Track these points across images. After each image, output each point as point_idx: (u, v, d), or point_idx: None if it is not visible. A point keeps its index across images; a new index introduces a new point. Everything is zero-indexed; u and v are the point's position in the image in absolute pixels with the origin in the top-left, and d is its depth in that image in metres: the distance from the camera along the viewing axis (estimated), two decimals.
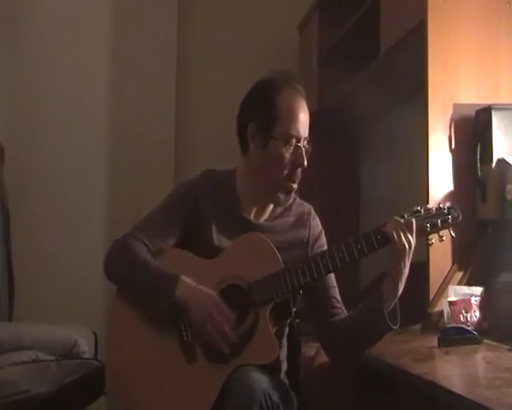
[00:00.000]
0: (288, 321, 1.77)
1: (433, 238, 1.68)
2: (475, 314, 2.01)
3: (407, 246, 1.61)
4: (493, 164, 2.06)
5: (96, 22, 3.55)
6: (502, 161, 2.06)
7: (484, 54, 2.19)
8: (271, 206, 1.83)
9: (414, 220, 1.64)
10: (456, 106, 2.16)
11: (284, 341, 1.80)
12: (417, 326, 2.12)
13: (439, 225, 1.66)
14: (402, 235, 1.61)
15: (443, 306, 2.04)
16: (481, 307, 2.02)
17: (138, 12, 3.59)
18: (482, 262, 2.12)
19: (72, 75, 3.47)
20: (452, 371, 1.70)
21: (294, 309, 1.71)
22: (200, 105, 3.66)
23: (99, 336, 2.53)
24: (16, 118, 3.42)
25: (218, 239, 1.77)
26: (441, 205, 1.69)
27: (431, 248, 1.78)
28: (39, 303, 3.21)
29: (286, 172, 1.74)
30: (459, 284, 2.10)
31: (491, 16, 2.20)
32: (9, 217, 2.86)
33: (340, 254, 1.64)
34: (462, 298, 2.03)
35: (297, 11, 3.56)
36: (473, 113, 2.15)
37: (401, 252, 1.61)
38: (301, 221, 1.83)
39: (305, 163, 1.74)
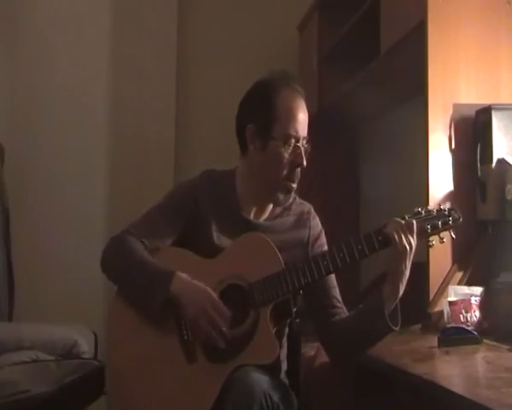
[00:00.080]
0: (288, 321, 1.77)
1: (434, 240, 1.69)
2: (475, 314, 2.01)
3: (408, 247, 1.61)
4: (493, 164, 2.06)
5: (96, 22, 3.55)
6: (502, 161, 2.06)
7: (484, 54, 2.19)
8: (271, 205, 1.83)
9: (415, 222, 1.64)
10: (456, 106, 2.16)
11: (284, 341, 1.80)
12: (417, 326, 2.12)
13: (440, 226, 1.66)
14: (403, 236, 1.61)
15: (443, 306, 2.04)
16: (481, 307, 2.02)
17: (138, 12, 3.59)
18: (482, 262, 2.12)
19: (72, 75, 3.47)
20: (452, 371, 1.70)
21: (295, 309, 1.71)
22: (200, 105, 3.66)
23: (99, 336, 2.53)
24: (16, 118, 3.42)
25: (218, 238, 1.77)
26: (442, 206, 1.70)
27: (431, 249, 1.78)
28: (39, 303, 3.21)
29: (285, 172, 1.74)
30: (459, 284, 2.10)
31: (491, 16, 2.20)
32: (9, 217, 2.86)
33: (341, 255, 1.64)
34: (462, 298, 2.03)
35: (297, 11, 3.56)
36: (473, 113, 2.15)
37: (402, 253, 1.61)
38: (301, 221, 1.83)
39: (305, 163, 1.74)
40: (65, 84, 3.45)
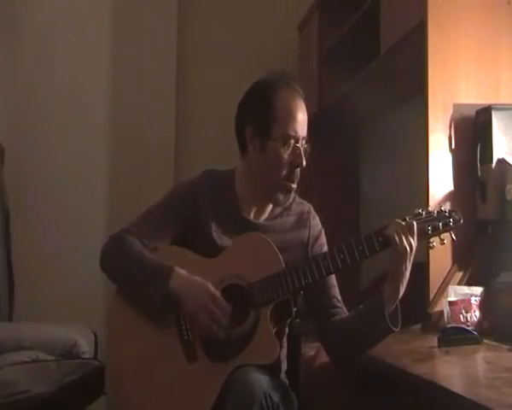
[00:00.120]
0: (289, 321, 1.77)
1: (435, 241, 1.68)
2: (475, 314, 2.01)
3: (408, 249, 1.61)
4: (493, 164, 2.06)
5: (96, 22, 3.55)
6: (502, 161, 2.06)
7: (484, 54, 2.19)
8: (271, 205, 1.83)
9: (415, 223, 1.64)
10: (456, 106, 2.16)
11: (284, 341, 1.80)
12: (417, 326, 2.12)
13: (441, 228, 1.66)
14: (403, 237, 1.61)
15: (443, 306, 2.04)
16: (481, 307, 2.02)
17: (138, 12, 3.59)
18: (482, 262, 2.12)
19: (72, 75, 3.47)
20: (452, 371, 1.70)
21: (295, 309, 1.71)
22: (200, 105, 3.66)
23: (99, 336, 2.53)
24: (16, 118, 3.42)
25: (218, 238, 1.77)
26: (443, 208, 1.70)
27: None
28: (39, 303, 3.21)
29: (285, 172, 1.74)
30: (459, 284, 2.10)
31: (491, 16, 2.20)
32: (9, 217, 2.86)
33: (341, 256, 1.64)
34: (462, 298, 2.03)
35: (297, 11, 3.56)
36: (473, 113, 2.15)
37: (402, 255, 1.61)
38: (301, 221, 1.83)
39: (304, 163, 1.74)
40: (65, 84, 3.45)
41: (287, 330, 1.80)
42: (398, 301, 1.65)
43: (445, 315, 2.02)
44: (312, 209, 1.88)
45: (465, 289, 2.07)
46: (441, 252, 2.04)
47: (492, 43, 2.19)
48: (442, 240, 1.68)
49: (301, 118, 1.74)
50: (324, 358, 1.87)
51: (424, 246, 1.72)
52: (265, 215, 1.83)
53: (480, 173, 2.09)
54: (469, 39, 2.18)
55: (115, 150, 3.52)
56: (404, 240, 1.61)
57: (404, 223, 1.64)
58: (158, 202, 1.84)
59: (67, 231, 3.39)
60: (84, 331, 2.54)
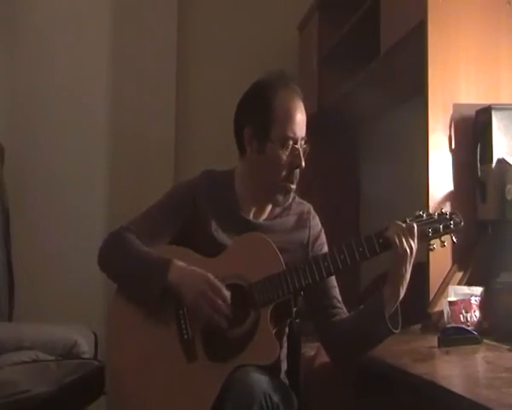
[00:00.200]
0: (289, 321, 1.77)
1: (435, 243, 1.68)
2: (475, 314, 2.01)
3: (408, 251, 1.61)
4: (493, 164, 2.06)
5: (96, 22, 3.55)
6: (502, 161, 2.06)
7: (484, 54, 2.19)
8: (270, 205, 1.83)
9: (415, 225, 1.63)
10: (456, 106, 2.16)
11: (284, 341, 1.80)
12: (417, 326, 2.12)
13: (441, 230, 1.66)
14: (403, 240, 1.61)
15: (443, 306, 2.04)
16: (481, 307, 2.02)
17: (138, 12, 3.59)
18: (482, 262, 2.12)
19: (72, 75, 3.47)
20: (452, 371, 1.70)
21: (295, 309, 1.71)
22: (200, 105, 3.66)
23: (99, 336, 2.53)
24: (16, 118, 3.42)
25: (218, 236, 1.77)
26: (443, 210, 1.69)
27: None
28: (39, 303, 3.21)
29: (284, 173, 1.74)
30: (459, 284, 2.10)
31: (491, 16, 2.20)
32: (9, 217, 2.86)
33: (342, 257, 1.64)
34: (462, 298, 2.03)
35: (297, 11, 3.56)
36: (473, 113, 2.15)
37: (402, 257, 1.61)
38: (301, 221, 1.83)
39: (303, 164, 1.73)
40: (65, 84, 3.46)
41: (287, 330, 1.80)
42: (398, 303, 1.65)
43: (445, 315, 2.02)
44: (312, 209, 1.88)
45: (465, 289, 2.07)
46: (441, 252, 2.03)
47: (492, 43, 2.19)
48: (443, 242, 1.68)
49: (300, 118, 1.74)
50: (324, 358, 1.87)
51: (424, 248, 1.72)
52: (265, 215, 1.83)
53: (479, 173, 2.09)
54: (469, 39, 2.18)
55: (115, 150, 3.52)
56: (405, 242, 1.61)
57: (404, 225, 1.64)
58: (158, 201, 1.84)
59: (67, 231, 3.39)
60: (84, 331, 2.54)
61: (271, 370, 1.64)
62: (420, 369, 1.58)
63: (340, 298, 1.80)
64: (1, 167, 2.88)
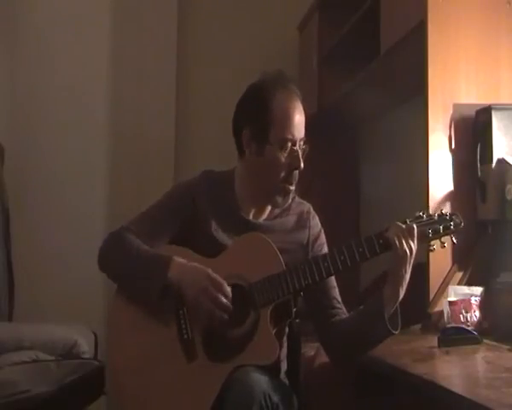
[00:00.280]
0: (288, 322, 1.77)
1: (435, 244, 1.69)
2: (475, 314, 2.01)
3: (408, 252, 1.61)
4: (493, 164, 2.06)
5: (96, 22, 3.55)
6: (502, 161, 2.06)
7: (484, 54, 2.19)
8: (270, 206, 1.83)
9: (415, 226, 1.64)
10: (456, 106, 2.16)
11: (284, 341, 1.80)
12: (417, 326, 2.12)
13: (441, 231, 1.66)
14: (403, 241, 1.61)
15: (443, 306, 2.04)
16: (481, 307, 2.02)
17: (138, 12, 3.59)
18: (482, 262, 2.12)
19: (72, 75, 3.47)
20: (452, 371, 1.70)
21: (294, 309, 1.71)
22: (200, 105, 3.66)
23: (99, 336, 2.53)
24: (16, 118, 3.42)
25: (218, 236, 1.77)
26: (443, 211, 1.69)
27: None
28: (39, 303, 3.21)
29: (282, 174, 1.74)
30: (459, 284, 2.10)
31: (491, 16, 2.20)
32: (9, 217, 2.86)
33: (342, 257, 1.64)
34: (462, 298, 2.03)
35: (297, 11, 3.56)
36: (473, 113, 2.15)
37: (402, 258, 1.61)
38: (301, 221, 1.83)
39: (302, 165, 1.73)
40: (65, 84, 3.45)
41: (287, 330, 1.80)
42: (397, 304, 1.65)
43: (445, 315, 2.02)
44: (312, 209, 1.88)
45: (465, 289, 2.07)
46: (441, 252, 2.03)
47: (492, 43, 2.19)
48: (443, 243, 1.68)
49: (298, 120, 1.74)
50: (324, 358, 1.87)
51: (424, 248, 1.72)
52: (265, 215, 1.83)
53: (479, 173, 2.09)
54: (469, 39, 2.18)
55: (115, 150, 3.52)
56: (405, 243, 1.61)
57: (404, 226, 1.64)
58: (157, 201, 1.84)
59: (67, 231, 3.39)
60: (84, 331, 2.54)
61: (271, 370, 1.64)
62: (420, 369, 1.58)
63: (339, 298, 1.80)
64: (1, 167, 2.88)
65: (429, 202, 2.09)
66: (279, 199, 1.77)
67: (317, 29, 3.33)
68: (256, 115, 1.73)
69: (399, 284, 1.63)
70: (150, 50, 3.57)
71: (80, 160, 3.46)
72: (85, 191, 3.46)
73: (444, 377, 1.59)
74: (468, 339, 1.86)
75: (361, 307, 1.73)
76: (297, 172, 1.75)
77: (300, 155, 1.73)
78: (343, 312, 1.79)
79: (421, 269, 2.03)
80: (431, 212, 1.70)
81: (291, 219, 1.83)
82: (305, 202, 1.88)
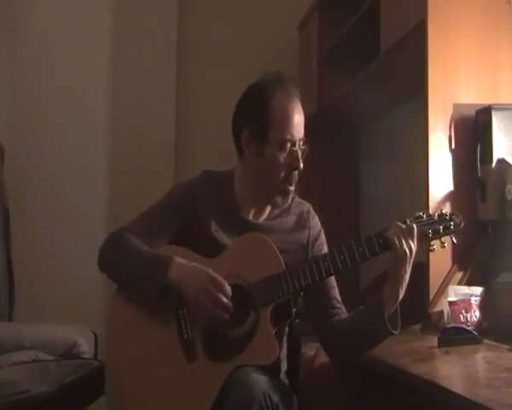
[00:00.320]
0: (288, 322, 1.77)
1: (435, 244, 1.69)
2: (475, 314, 2.01)
3: (408, 252, 1.61)
4: (493, 164, 2.06)
5: (96, 22, 3.55)
6: (502, 161, 2.06)
7: (484, 54, 2.19)
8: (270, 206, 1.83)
9: (415, 226, 1.64)
10: (456, 106, 2.16)
11: (284, 341, 1.80)
12: (417, 326, 2.12)
13: (441, 231, 1.66)
14: (403, 241, 1.61)
15: (443, 306, 2.04)
16: (481, 307, 2.02)
17: (138, 12, 3.59)
18: (482, 262, 2.12)
19: (72, 75, 3.47)
20: (452, 371, 1.70)
21: (294, 309, 1.71)
22: (200, 105, 3.66)
23: (99, 336, 2.53)
24: (16, 118, 3.42)
25: (218, 236, 1.77)
26: (443, 211, 1.69)
27: None
28: (39, 303, 3.21)
29: (282, 175, 1.74)
30: (459, 284, 2.10)
31: (491, 16, 2.20)
32: (9, 217, 2.86)
33: (342, 257, 1.64)
34: (462, 298, 2.03)
35: (297, 11, 3.56)
36: (473, 113, 2.15)
37: (402, 258, 1.61)
38: (301, 221, 1.83)
39: (301, 166, 1.74)
40: (65, 84, 3.45)
41: (287, 330, 1.80)
42: (397, 304, 1.65)
43: (445, 315, 2.02)
44: (312, 209, 1.88)
45: (465, 289, 2.07)
46: (441, 252, 2.03)
47: (492, 43, 2.19)
48: (443, 243, 1.68)
49: (298, 120, 1.74)
50: (324, 358, 1.87)
51: (424, 248, 1.72)
52: (265, 215, 1.83)
53: (479, 173, 2.09)
54: (469, 39, 2.18)
55: (115, 150, 3.52)
56: (404, 243, 1.61)
57: (404, 226, 1.64)
58: (157, 201, 1.84)
59: (67, 231, 3.39)
60: (84, 331, 2.54)
61: (271, 370, 1.64)
62: (420, 369, 1.58)
63: (339, 298, 1.80)
64: (1, 167, 2.88)
65: (429, 202, 2.09)
66: (279, 199, 1.77)
67: (317, 29, 3.33)
68: (256, 115, 1.73)
69: (399, 283, 1.63)
70: (150, 50, 3.57)
71: (80, 160, 3.46)
72: (85, 191, 3.46)
73: (444, 377, 1.59)
74: (468, 339, 1.86)
75: (361, 307, 1.73)
76: (296, 172, 1.75)
77: (300, 156, 1.73)
78: (343, 312, 1.79)
79: (421, 269, 2.03)
80: (431, 212, 1.71)
81: (291, 220, 1.83)
82: (304, 202, 1.88)
